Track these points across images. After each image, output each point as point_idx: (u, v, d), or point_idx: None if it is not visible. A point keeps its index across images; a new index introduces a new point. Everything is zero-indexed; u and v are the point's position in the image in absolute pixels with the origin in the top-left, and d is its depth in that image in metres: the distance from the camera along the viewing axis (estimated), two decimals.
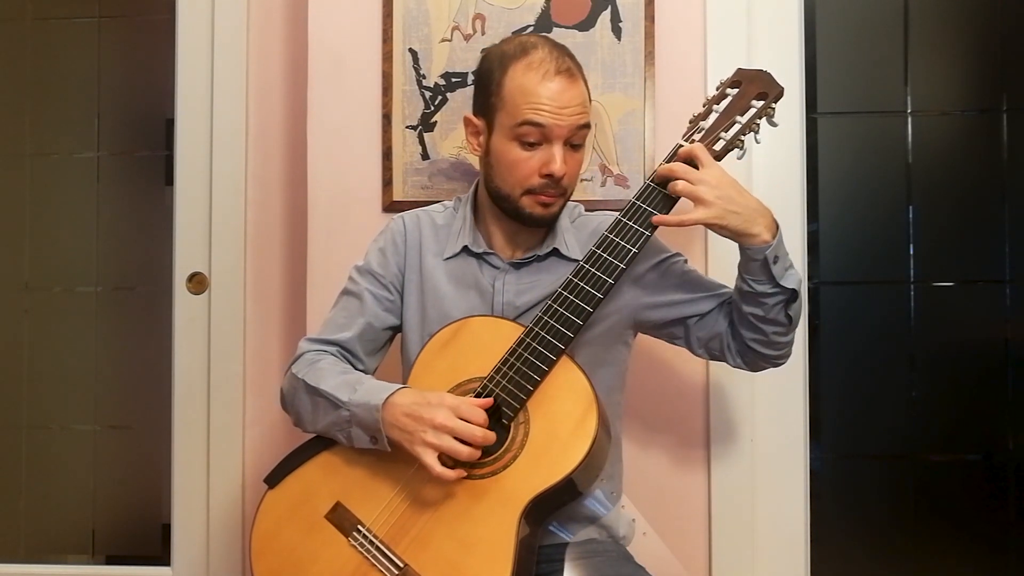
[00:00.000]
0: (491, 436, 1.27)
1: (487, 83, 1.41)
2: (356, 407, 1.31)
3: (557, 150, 1.36)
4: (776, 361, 1.44)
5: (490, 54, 1.44)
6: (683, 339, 1.49)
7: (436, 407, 1.26)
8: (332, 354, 1.46)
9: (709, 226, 1.30)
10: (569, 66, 1.38)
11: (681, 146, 1.35)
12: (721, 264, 1.86)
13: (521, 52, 1.38)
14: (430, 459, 1.25)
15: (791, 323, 1.37)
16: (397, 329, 1.52)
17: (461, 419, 1.26)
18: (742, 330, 1.39)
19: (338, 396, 1.34)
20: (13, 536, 2.36)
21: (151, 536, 2.31)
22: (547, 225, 1.46)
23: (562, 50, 1.40)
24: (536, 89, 1.35)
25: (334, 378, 1.38)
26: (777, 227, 1.32)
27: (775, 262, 1.31)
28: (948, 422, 2.09)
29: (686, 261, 1.51)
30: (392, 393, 1.30)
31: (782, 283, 1.32)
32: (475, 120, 1.45)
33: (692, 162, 1.32)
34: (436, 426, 1.25)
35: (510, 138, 1.37)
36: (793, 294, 1.34)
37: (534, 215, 1.41)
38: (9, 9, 2.37)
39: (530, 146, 1.37)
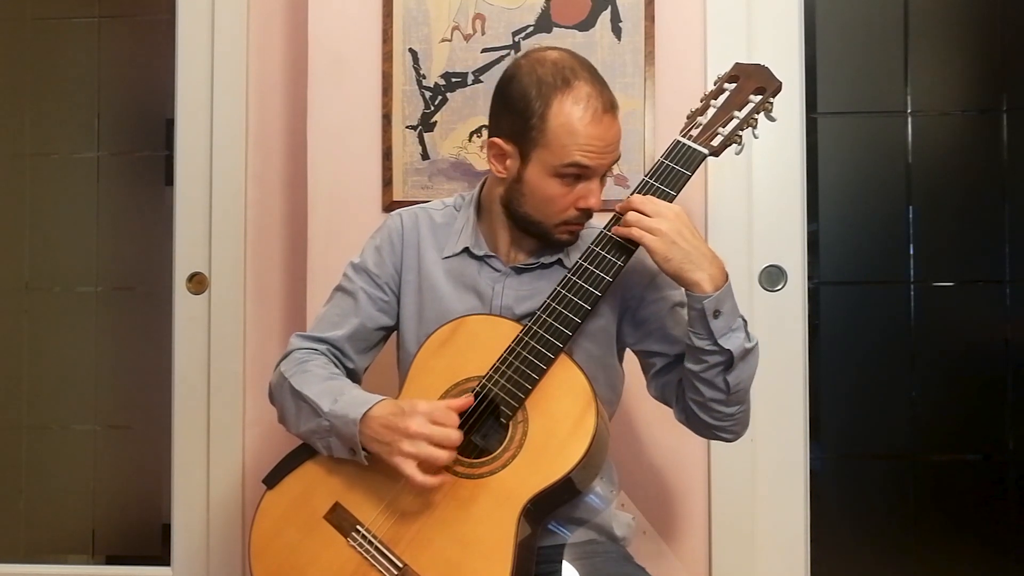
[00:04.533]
0: (459, 438, 1.25)
1: (524, 112, 1.32)
2: (336, 418, 1.31)
3: (596, 186, 1.35)
4: (716, 432, 1.38)
5: (522, 76, 1.35)
6: (647, 377, 1.47)
7: (409, 415, 1.25)
8: (322, 353, 1.45)
9: (652, 256, 1.28)
10: (611, 100, 1.33)
11: (679, 142, 1.35)
12: None
13: (563, 83, 1.31)
14: (409, 469, 1.24)
15: (729, 391, 1.31)
16: (390, 329, 1.51)
17: (436, 423, 1.25)
18: (684, 386, 1.36)
19: (320, 405, 1.33)
20: (13, 536, 2.36)
21: (151, 536, 2.32)
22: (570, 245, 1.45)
23: (600, 78, 1.35)
24: (586, 130, 1.30)
25: (318, 384, 1.37)
26: (725, 282, 1.29)
27: (715, 316, 1.27)
28: (948, 422, 2.09)
29: (682, 304, 1.45)
30: (370, 407, 1.29)
31: (720, 342, 1.28)
32: (504, 145, 1.37)
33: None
34: (411, 434, 1.24)
35: (551, 175, 1.33)
36: (730, 360, 1.29)
37: (562, 240, 1.40)
38: (9, 9, 2.37)
39: (571, 180, 1.34)
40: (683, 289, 1.42)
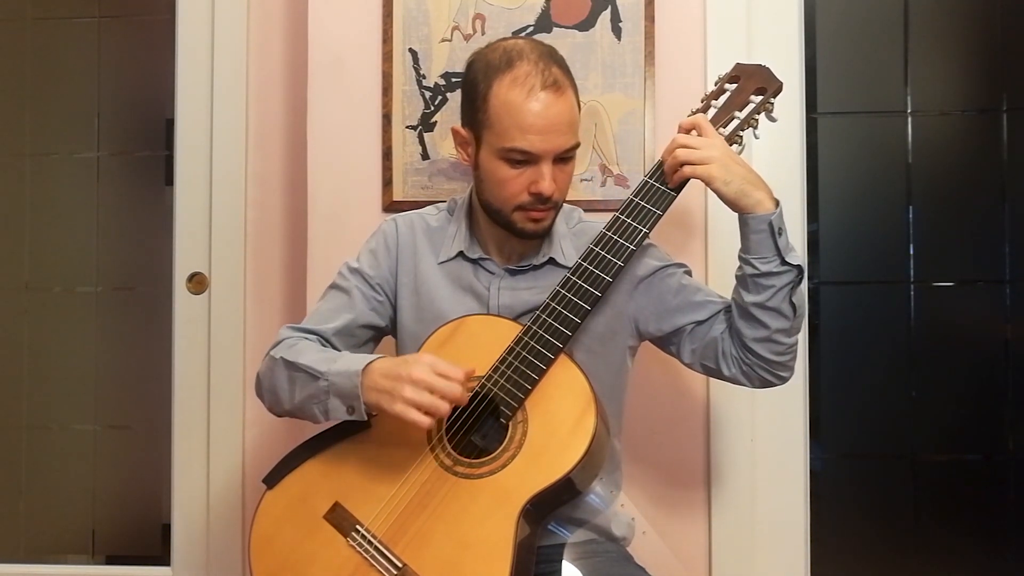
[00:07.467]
0: (465, 396, 1.25)
1: (473, 95, 1.38)
2: (335, 376, 1.30)
3: (546, 169, 1.34)
4: (777, 371, 1.39)
5: (475, 62, 1.40)
6: (676, 348, 1.47)
7: (413, 364, 1.24)
8: (311, 340, 1.45)
9: (711, 184, 1.29)
10: (556, 78, 1.33)
11: None
12: (721, 266, 1.86)
13: (506, 64, 1.34)
14: (413, 415, 1.22)
15: (795, 314, 1.34)
16: (379, 330, 1.52)
17: (440, 375, 1.23)
18: (743, 327, 1.35)
19: (316, 368, 1.32)
20: (13, 536, 2.36)
21: (151, 536, 2.32)
22: (540, 237, 1.45)
23: (549, 58, 1.36)
24: (521, 108, 1.31)
25: (313, 354, 1.37)
26: (778, 202, 1.31)
27: (779, 234, 1.29)
28: (948, 422, 2.09)
29: (688, 272, 1.50)
30: (372, 360, 1.29)
31: (788, 259, 1.30)
32: (463, 132, 1.42)
33: (694, 132, 1.34)
34: (414, 380, 1.22)
35: (497, 157, 1.35)
36: (799, 275, 1.32)
37: (526, 230, 1.40)
38: (9, 9, 2.37)
39: (518, 164, 1.35)
40: (684, 265, 1.49)
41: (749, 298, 1.33)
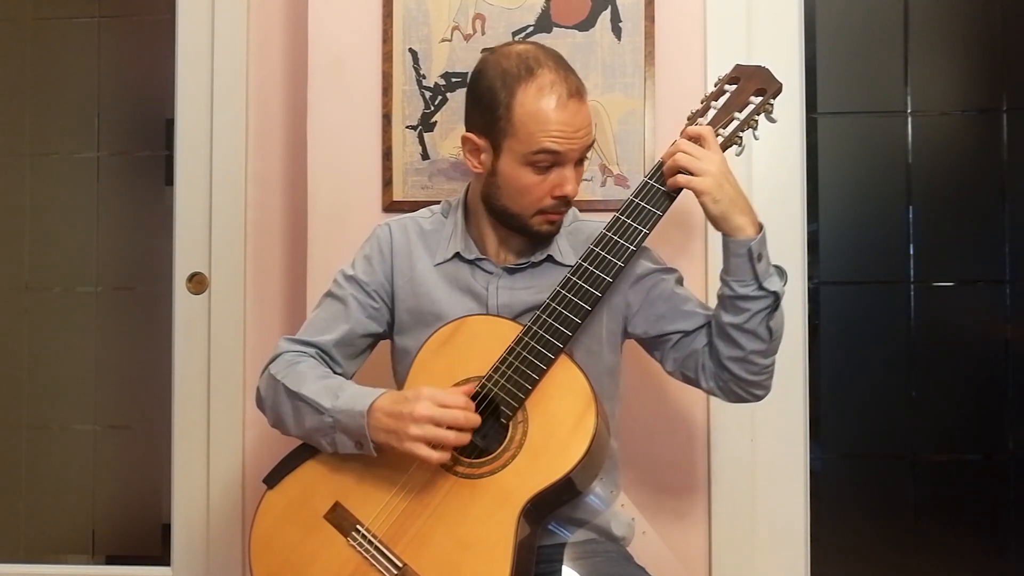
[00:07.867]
0: (474, 419, 1.26)
1: (491, 104, 1.36)
2: (340, 413, 1.31)
3: (570, 172, 1.36)
4: (751, 390, 1.39)
5: (488, 70, 1.38)
6: (660, 355, 1.47)
7: (414, 400, 1.26)
8: (311, 356, 1.45)
9: (700, 196, 1.29)
10: (577, 85, 1.36)
11: None
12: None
13: (527, 73, 1.34)
14: (423, 452, 1.24)
15: (771, 338, 1.34)
16: (378, 336, 1.52)
17: (442, 406, 1.25)
18: (720, 345, 1.36)
19: (320, 402, 1.33)
20: (13, 536, 2.36)
21: (151, 536, 2.32)
22: (554, 236, 1.45)
23: (566, 66, 1.37)
24: (550, 116, 1.32)
25: (315, 383, 1.37)
26: (761, 228, 1.32)
27: (759, 259, 1.30)
28: (948, 422, 2.09)
29: (680, 280, 1.50)
30: (375, 398, 1.30)
31: (765, 285, 1.31)
32: (477, 140, 1.40)
33: (698, 142, 1.33)
34: (417, 418, 1.24)
35: (522, 163, 1.35)
36: (776, 301, 1.32)
37: (542, 231, 1.42)
38: (9, 9, 2.37)
39: (543, 169, 1.35)
40: (677, 271, 1.49)
41: (727, 318, 1.34)
